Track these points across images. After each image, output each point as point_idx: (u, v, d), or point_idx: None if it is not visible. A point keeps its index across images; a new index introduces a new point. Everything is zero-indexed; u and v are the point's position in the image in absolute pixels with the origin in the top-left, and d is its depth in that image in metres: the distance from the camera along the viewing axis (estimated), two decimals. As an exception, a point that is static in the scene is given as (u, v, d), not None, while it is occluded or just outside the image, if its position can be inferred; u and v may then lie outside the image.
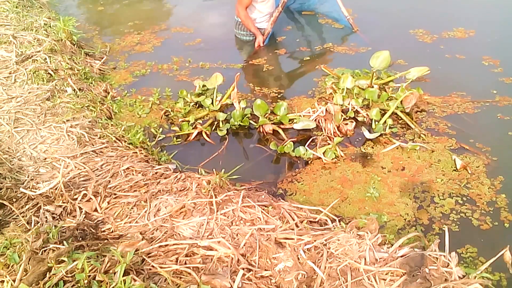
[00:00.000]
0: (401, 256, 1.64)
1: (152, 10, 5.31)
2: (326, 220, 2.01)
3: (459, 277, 1.53)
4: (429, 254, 1.61)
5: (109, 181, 2.23)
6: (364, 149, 2.68)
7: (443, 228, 1.83)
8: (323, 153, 2.59)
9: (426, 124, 2.87)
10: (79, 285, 1.51)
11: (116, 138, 2.72)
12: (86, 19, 5.11)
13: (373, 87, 3.10)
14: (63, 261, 1.58)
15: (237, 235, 1.84)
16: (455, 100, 3.08)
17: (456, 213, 2.20)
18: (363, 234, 1.77)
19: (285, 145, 2.68)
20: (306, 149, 2.64)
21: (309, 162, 2.61)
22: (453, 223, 2.15)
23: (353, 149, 2.69)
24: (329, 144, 2.66)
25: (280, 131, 2.86)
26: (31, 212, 1.98)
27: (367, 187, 2.38)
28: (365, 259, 1.65)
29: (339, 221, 2.02)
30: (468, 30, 4.06)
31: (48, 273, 1.56)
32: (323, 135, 2.78)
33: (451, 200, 2.27)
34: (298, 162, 2.64)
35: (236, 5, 3.91)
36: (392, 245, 1.74)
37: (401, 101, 2.91)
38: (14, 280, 1.51)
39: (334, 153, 2.58)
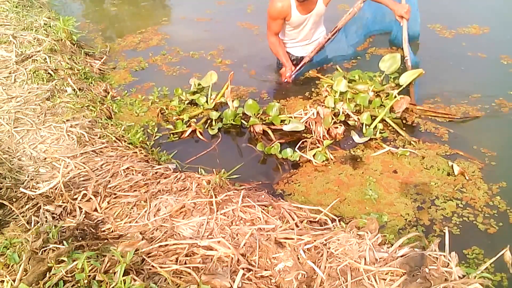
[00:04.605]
0: (401, 256, 1.64)
1: (160, 9, 5.34)
2: (326, 220, 2.01)
3: (459, 277, 1.53)
4: (429, 254, 1.61)
5: (109, 181, 2.23)
6: (354, 151, 2.66)
7: (443, 230, 1.82)
8: (313, 156, 2.58)
9: (425, 128, 2.82)
10: (79, 285, 1.51)
11: (116, 138, 2.72)
12: (92, 19, 5.14)
13: (368, 93, 3.04)
14: (63, 261, 1.58)
15: (237, 235, 1.84)
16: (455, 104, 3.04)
17: (458, 216, 2.18)
18: (363, 234, 1.77)
19: (272, 147, 2.67)
20: (294, 151, 2.63)
21: (301, 164, 2.59)
22: (455, 226, 2.13)
23: (342, 152, 2.68)
24: (318, 147, 2.65)
25: (269, 131, 2.85)
26: (31, 212, 1.98)
27: (364, 189, 2.37)
28: (365, 259, 1.65)
29: (339, 221, 2.02)
30: (483, 27, 4.03)
31: (48, 273, 1.55)
32: (312, 138, 2.75)
33: (452, 203, 2.25)
34: (291, 163, 2.62)
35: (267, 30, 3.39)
36: (392, 245, 1.74)
37: (392, 107, 2.87)
38: (14, 280, 1.51)
39: (324, 156, 2.58)
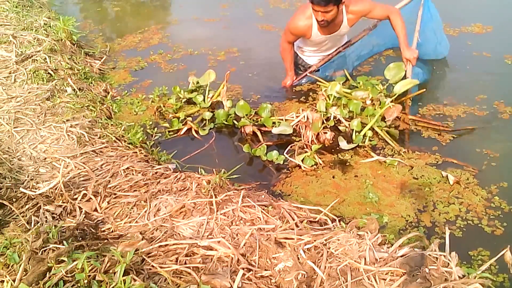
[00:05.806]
0: (401, 256, 1.64)
1: (162, 10, 5.35)
2: (326, 220, 2.01)
3: (459, 277, 1.53)
4: (429, 254, 1.61)
5: (109, 181, 2.23)
6: (342, 156, 2.64)
7: (444, 232, 1.81)
8: (302, 160, 2.56)
9: (427, 133, 2.77)
10: (79, 285, 1.51)
11: (116, 138, 2.72)
12: (93, 19, 5.15)
13: (366, 100, 2.99)
14: (63, 261, 1.58)
15: (237, 235, 1.84)
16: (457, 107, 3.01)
17: (462, 219, 2.15)
18: (363, 234, 1.77)
19: (258, 148, 2.66)
20: (279, 155, 2.61)
21: (290, 169, 2.57)
22: (458, 228, 2.10)
23: (331, 156, 2.65)
24: (306, 152, 2.62)
25: (258, 133, 2.83)
26: (31, 212, 1.98)
27: (362, 192, 2.36)
28: (365, 259, 1.65)
29: (339, 221, 2.02)
30: (486, 26, 4.02)
31: (48, 273, 1.55)
32: (301, 142, 2.72)
33: (454, 206, 2.22)
34: (280, 167, 2.61)
35: (282, 33, 3.32)
36: (392, 245, 1.74)
37: (383, 115, 2.81)
38: (14, 280, 1.51)
39: (313, 160, 2.56)
